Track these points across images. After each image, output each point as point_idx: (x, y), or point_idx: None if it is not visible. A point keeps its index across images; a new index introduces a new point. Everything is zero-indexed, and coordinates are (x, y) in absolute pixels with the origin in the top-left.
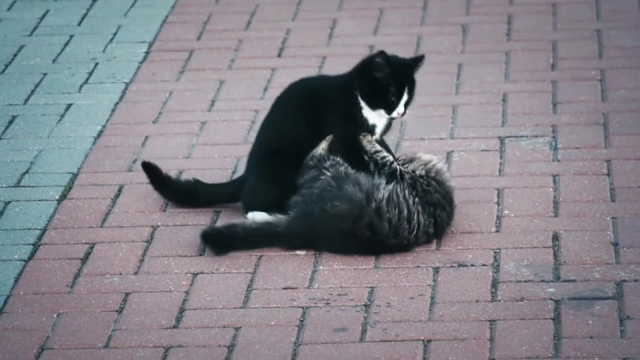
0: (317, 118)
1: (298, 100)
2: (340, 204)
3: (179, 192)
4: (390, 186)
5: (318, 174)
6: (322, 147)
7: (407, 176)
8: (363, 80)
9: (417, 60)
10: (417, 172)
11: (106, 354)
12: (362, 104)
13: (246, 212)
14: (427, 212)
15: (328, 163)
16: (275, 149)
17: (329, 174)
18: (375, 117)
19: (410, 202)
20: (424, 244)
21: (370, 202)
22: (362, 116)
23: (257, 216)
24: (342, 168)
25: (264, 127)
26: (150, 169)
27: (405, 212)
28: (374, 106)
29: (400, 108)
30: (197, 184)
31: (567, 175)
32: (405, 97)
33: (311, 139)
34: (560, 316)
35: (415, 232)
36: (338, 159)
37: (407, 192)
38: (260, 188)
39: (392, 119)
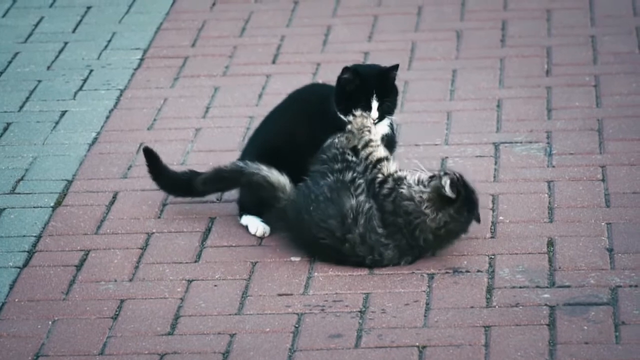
0: (312, 125)
1: (302, 105)
2: (326, 227)
3: (175, 183)
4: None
5: (325, 171)
6: (341, 138)
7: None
8: (339, 97)
9: (389, 69)
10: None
11: None
12: (345, 119)
13: (240, 216)
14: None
15: (337, 166)
16: (274, 149)
17: (330, 179)
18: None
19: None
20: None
21: (352, 230)
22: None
23: (251, 221)
24: (348, 175)
25: (266, 123)
26: (151, 156)
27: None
28: (346, 114)
29: (373, 114)
30: (192, 174)
31: (562, 181)
32: (375, 104)
33: (309, 144)
34: (555, 322)
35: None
36: (351, 159)
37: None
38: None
39: (387, 135)
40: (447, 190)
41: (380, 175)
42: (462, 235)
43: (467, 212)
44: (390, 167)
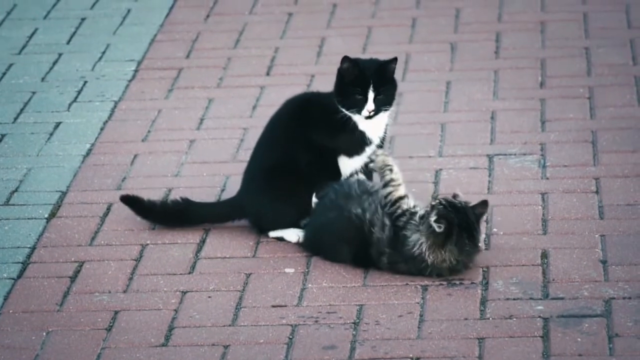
0: (311, 132)
1: (293, 116)
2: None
3: (168, 215)
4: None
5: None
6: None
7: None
8: (338, 87)
9: (388, 61)
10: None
11: None
12: (344, 110)
13: (264, 231)
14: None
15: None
16: (278, 166)
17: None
18: (368, 125)
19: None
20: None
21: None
22: (353, 123)
23: (286, 232)
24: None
25: (262, 145)
26: (132, 202)
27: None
28: (348, 108)
29: (369, 105)
30: (187, 203)
31: (556, 193)
32: (371, 94)
33: (310, 152)
34: (549, 334)
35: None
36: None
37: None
38: (279, 208)
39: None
40: (435, 226)
41: (399, 211)
42: (476, 255)
43: (469, 239)
44: (409, 203)
